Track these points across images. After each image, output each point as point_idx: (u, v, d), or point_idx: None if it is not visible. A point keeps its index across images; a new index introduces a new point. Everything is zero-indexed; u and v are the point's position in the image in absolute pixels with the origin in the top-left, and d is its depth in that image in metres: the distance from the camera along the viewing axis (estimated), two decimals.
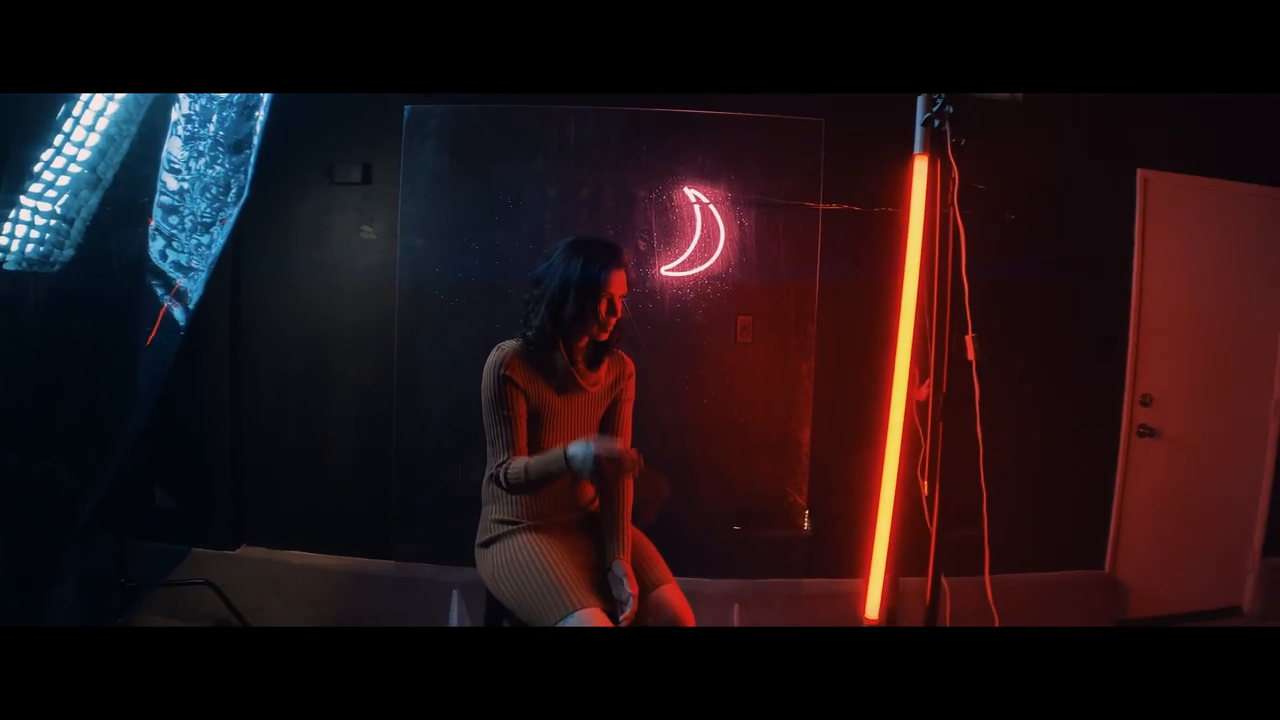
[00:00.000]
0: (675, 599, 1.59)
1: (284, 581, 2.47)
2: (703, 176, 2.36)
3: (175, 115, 1.93)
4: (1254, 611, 2.82)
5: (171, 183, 1.89)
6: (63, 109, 2.11)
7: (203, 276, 1.83)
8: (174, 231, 1.85)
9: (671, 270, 2.36)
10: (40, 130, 2.09)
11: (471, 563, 1.67)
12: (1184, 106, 2.54)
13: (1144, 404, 2.68)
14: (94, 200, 2.17)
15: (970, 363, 1.81)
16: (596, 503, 1.70)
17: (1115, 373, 2.64)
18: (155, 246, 1.88)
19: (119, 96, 2.13)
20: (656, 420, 2.33)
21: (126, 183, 2.02)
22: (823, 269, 2.38)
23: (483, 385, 1.56)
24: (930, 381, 1.87)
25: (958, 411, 1.88)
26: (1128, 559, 2.70)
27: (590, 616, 1.43)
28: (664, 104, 2.32)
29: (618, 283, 1.55)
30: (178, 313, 1.85)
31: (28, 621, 2.13)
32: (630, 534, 1.64)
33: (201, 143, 1.91)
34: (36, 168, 2.13)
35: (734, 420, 2.42)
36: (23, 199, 2.14)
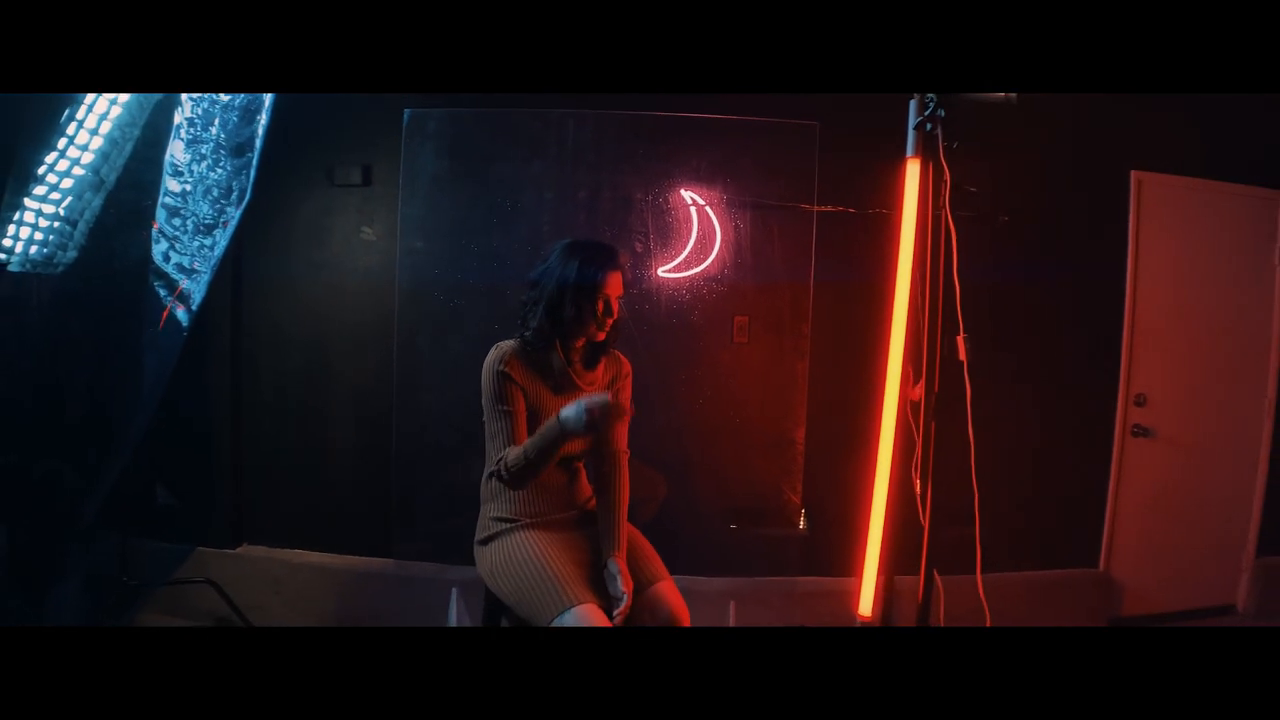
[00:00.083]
0: (670, 595, 1.62)
1: (284, 580, 2.50)
2: (699, 179, 2.39)
3: (178, 119, 1.97)
4: (1248, 610, 2.85)
5: (174, 185, 1.93)
6: (66, 112, 2.15)
7: (205, 278, 1.86)
8: (177, 233, 1.89)
9: (668, 271, 2.40)
10: (45, 133, 2.13)
11: (471, 561, 1.70)
12: (1177, 108, 2.58)
13: (1138, 404, 2.71)
14: (97, 202, 2.21)
15: (962, 363, 1.84)
16: (593, 501, 1.73)
17: (1110, 372, 2.68)
18: (159, 248, 1.92)
19: (122, 100, 2.17)
20: (654, 420, 2.36)
21: (130, 185, 2.06)
22: (817, 270, 2.41)
23: (482, 382, 1.60)
24: (924, 381, 1.91)
25: (950, 411, 1.91)
26: (1122, 558, 2.73)
27: (586, 612, 1.46)
28: (660, 108, 2.36)
29: (614, 284, 1.58)
30: (181, 314, 1.88)
31: (31, 619, 2.16)
32: (626, 531, 1.66)
33: (204, 146, 1.95)
34: (40, 170, 2.17)
35: (730, 420, 2.45)
36: (27, 201, 2.17)
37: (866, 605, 2.01)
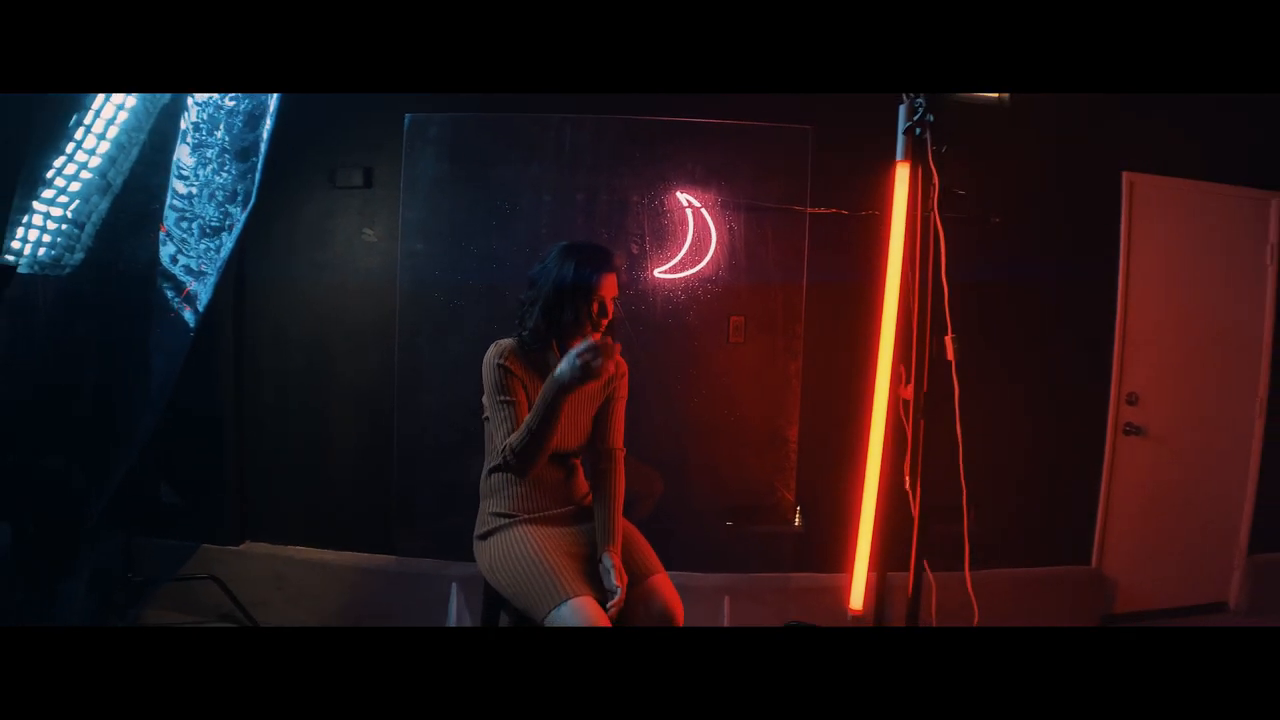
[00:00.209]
0: (664, 589, 1.68)
1: (287, 576, 2.56)
2: (694, 182, 2.45)
3: (184, 124, 2.03)
4: (1240, 607, 2.91)
5: (181, 189, 1.99)
6: (75, 117, 2.21)
7: (212, 280, 1.93)
8: (184, 236, 1.95)
9: (664, 273, 2.46)
10: (54, 138, 2.19)
11: (470, 557, 1.76)
12: (1168, 109, 2.63)
13: (1130, 402, 2.76)
14: (104, 205, 2.27)
15: (950, 362, 1.90)
16: (590, 497, 1.79)
17: (1101, 371, 2.73)
18: (166, 251, 1.98)
19: (129, 106, 2.23)
20: (651, 418, 2.42)
21: (137, 189, 2.12)
22: (810, 271, 2.47)
23: (483, 377, 1.65)
24: (915, 380, 1.96)
25: (941, 410, 1.97)
26: (1114, 555, 2.78)
27: (583, 604, 1.51)
28: (656, 112, 2.42)
29: (609, 285, 1.63)
30: (187, 315, 1.95)
31: (40, 615, 2.22)
32: (621, 526, 1.71)
33: (209, 150, 2.01)
34: (49, 174, 2.23)
35: (725, 418, 2.51)
36: (35, 204, 2.24)
37: (858, 600, 2.07)
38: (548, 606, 1.52)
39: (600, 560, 1.65)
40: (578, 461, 1.80)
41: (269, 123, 1.97)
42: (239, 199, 1.98)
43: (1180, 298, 2.80)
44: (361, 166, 2.53)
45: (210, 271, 1.94)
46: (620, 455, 1.78)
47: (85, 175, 2.25)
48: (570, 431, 1.69)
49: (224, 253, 1.94)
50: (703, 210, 2.44)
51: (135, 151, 2.24)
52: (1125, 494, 2.77)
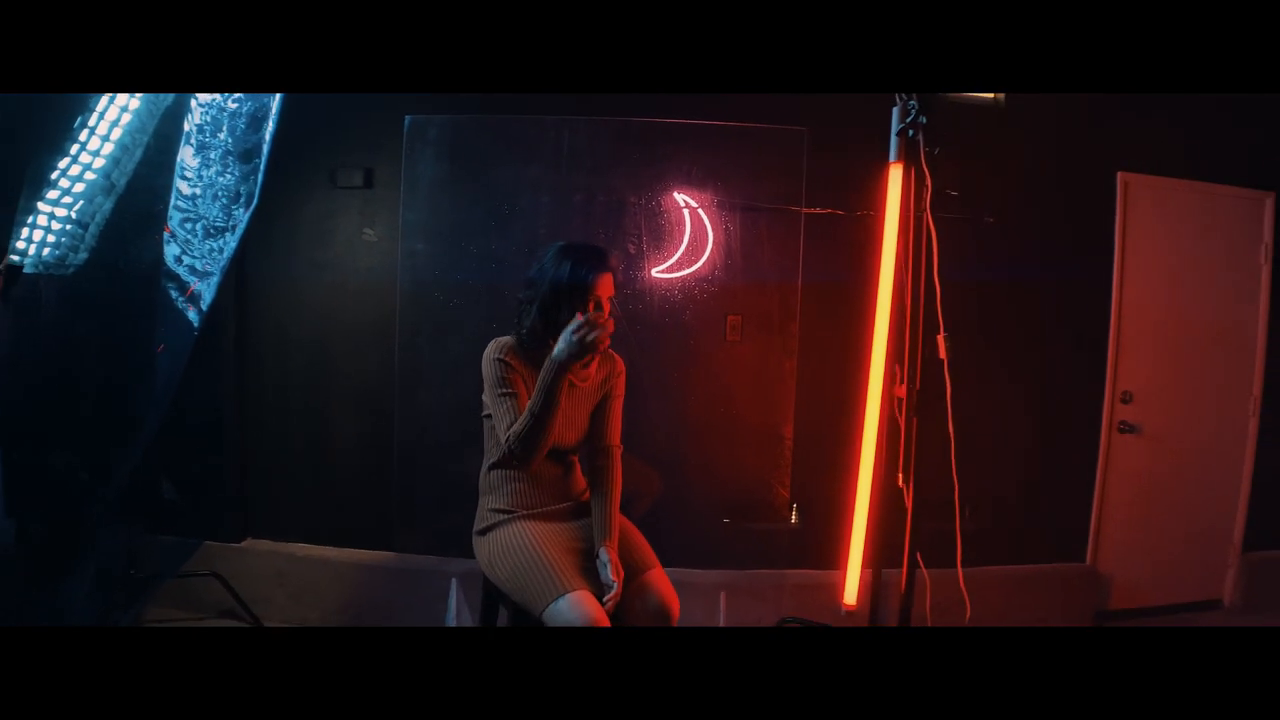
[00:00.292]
0: (660, 583, 1.72)
1: (288, 573, 2.60)
2: (691, 182, 2.50)
3: (188, 126, 2.07)
4: (1234, 605, 2.95)
5: (185, 190, 2.03)
6: (79, 119, 2.25)
7: (215, 280, 1.97)
8: (189, 237, 2.00)
9: (662, 272, 2.50)
10: (59, 140, 2.23)
11: (469, 554, 1.80)
12: (1163, 110, 2.67)
13: (1124, 401, 2.80)
14: (108, 206, 2.31)
15: (942, 361, 1.94)
16: (587, 494, 1.83)
17: (1096, 370, 2.77)
18: (170, 251, 2.02)
19: (132, 107, 2.27)
20: (649, 417, 2.46)
21: (141, 190, 2.16)
22: (805, 271, 2.52)
23: (483, 372, 1.69)
24: (910, 378, 2.00)
25: (935, 408, 2.01)
26: (1108, 552, 2.82)
27: (580, 599, 1.55)
28: (653, 114, 2.46)
29: (604, 285, 1.67)
30: (192, 314, 1.99)
31: (44, 612, 2.26)
32: (618, 522, 1.75)
33: (213, 152, 2.05)
34: (54, 175, 2.27)
35: (722, 416, 2.56)
36: (40, 204, 2.27)
37: (851, 595, 2.11)
38: (545, 600, 1.56)
39: (597, 555, 1.68)
40: (575, 459, 1.85)
41: (271, 125, 2.01)
42: (242, 200, 2.02)
43: (1175, 297, 2.84)
44: (362, 167, 2.57)
45: (214, 271, 1.99)
46: (617, 452, 1.82)
47: (89, 176, 2.29)
48: (569, 428, 1.74)
49: (227, 253, 1.99)
50: (699, 210, 2.48)
51: (139, 153, 2.28)
52: (1120, 491, 2.81)
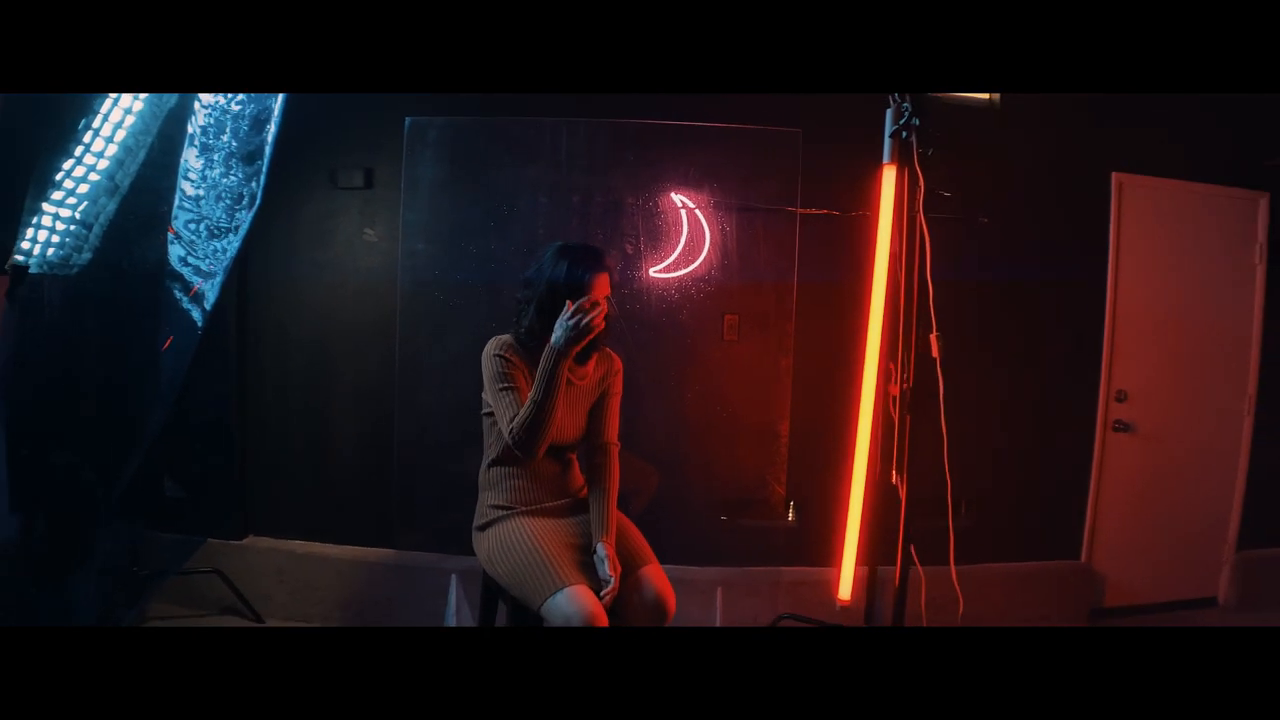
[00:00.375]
0: (657, 578, 1.76)
1: (289, 570, 2.65)
2: (688, 183, 2.54)
3: (191, 129, 2.12)
4: (1229, 602, 2.99)
5: (190, 191, 2.08)
6: (83, 121, 2.30)
7: (219, 280, 2.01)
8: (193, 238, 2.04)
9: (659, 272, 2.55)
10: (63, 142, 2.28)
11: (468, 551, 1.85)
12: (1157, 110, 2.71)
13: (1119, 400, 2.84)
14: (111, 207, 2.36)
15: (935, 359, 1.98)
16: (585, 490, 1.87)
17: (1091, 369, 2.82)
18: (175, 252, 2.07)
19: (136, 110, 2.32)
20: (646, 415, 2.51)
21: (145, 191, 2.20)
22: (801, 270, 2.56)
23: (483, 368, 1.74)
24: (907, 376, 2.04)
25: (930, 406, 2.05)
26: (1103, 550, 2.86)
27: (578, 593, 1.60)
28: (650, 116, 2.51)
29: (600, 285, 1.71)
30: (195, 314, 2.03)
31: (49, 609, 2.30)
32: (615, 518, 1.80)
33: (216, 154, 2.10)
34: (58, 176, 2.32)
35: (719, 414, 2.60)
36: (45, 205, 2.32)
37: (846, 590, 2.15)
38: (544, 594, 1.60)
39: (594, 550, 1.73)
40: (574, 456, 1.89)
41: (274, 127, 2.05)
42: (245, 201, 2.06)
43: (1169, 296, 2.88)
44: (362, 168, 2.62)
45: (217, 272, 2.03)
46: (615, 449, 1.86)
47: (93, 177, 2.34)
48: (567, 426, 1.78)
49: (231, 253, 2.03)
50: (696, 211, 2.53)
51: (142, 154, 2.32)
52: (1114, 490, 2.85)
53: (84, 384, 2.41)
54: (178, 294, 2.07)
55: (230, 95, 2.15)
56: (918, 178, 1.98)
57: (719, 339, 2.59)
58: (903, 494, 2.02)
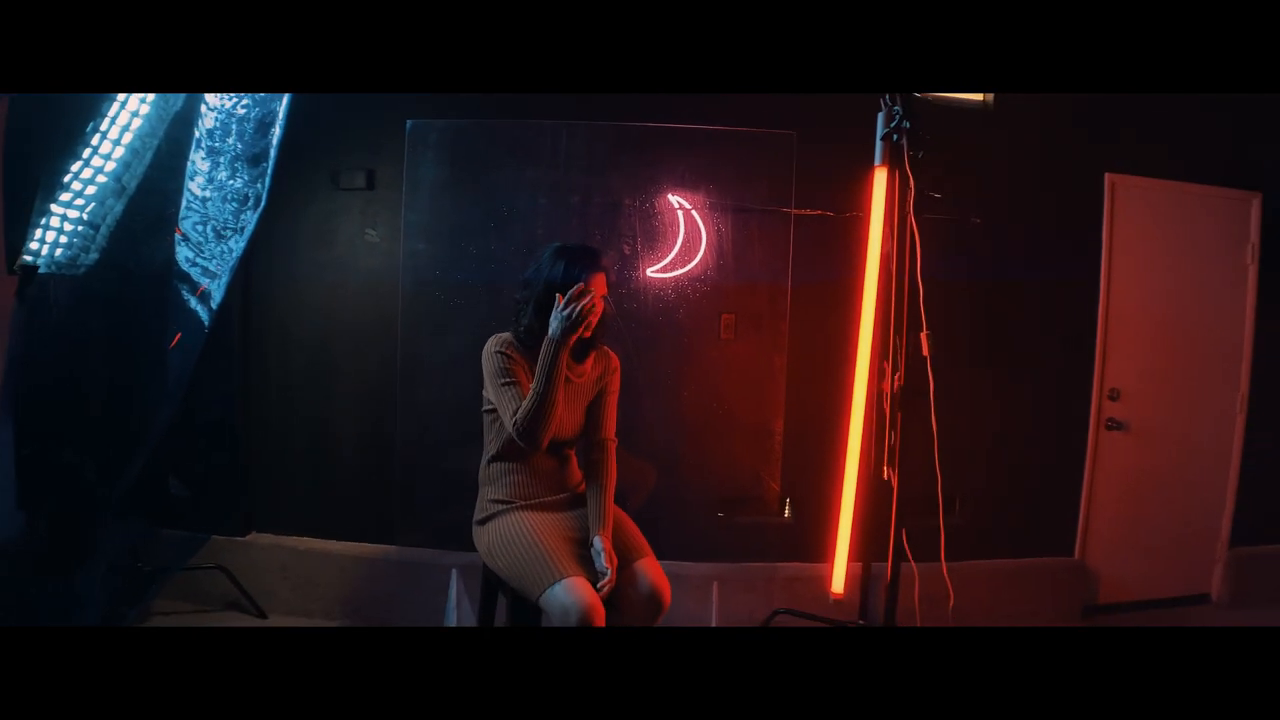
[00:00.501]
0: (652, 570, 1.82)
1: (292, 566, 2.71)
2: (684, 184, 2.61)
3: (198, 132, 2.19)
4: (1222, 599, 3.04)
5: (197, 193, 2.15)
6: (91, 124, 2.37)
7: (225, 280, 2.08)
8: (200, 239, 2.11)
9: (657, 272, 2.61)
10: (72, 144, 2.35)
11: (468, 547, 1.91)
12: (1150, 111, 2.77)
13: (1112, 398, 2.90)
14: (118, 208, 2.43)
15: (925, 358, 2.05)
16: (583, 485, 1.94)
17: (1084, 368, 2.88)
18: (183, 253, 2.13)
19: (143, 113, 2.39)
20: (643, 413, 2.57)
21: (152, 193, 2.27)
22: (795, 270, 2.63)
23: (484, 365, 1.80)
24: (899, 374, 2.11)
25: (919, 403, 2.11)
26: (1097, 547, 2.92)
27: (575, 584, 1.66)
28: (647, 118, 2.58)
29: (597, 284, 1.77)
30: (202, 313, 2.10)
31: (56, 605, 2.36)
32: (612, 512, 1.86)
33: (223, 156, 2.16)
34: (66, 178, 2.39)
35: (716, 412, 2.67)
36: (53, 206, 2.39)
37: (839, 584, 2.22)
38: (543, 586, 1.66)
39: (591, 544, 1.79)
40: (572, 452, 1.96)
41: (278, 129, 2.12)
42: (250, 203, 2.13)
43: (1162, 296, 2.94)
44: (364, 169, 2.68)
45: (223, 272, 2.10)
46: (612, 446, 1.93)
47: (101, 179, 2.41)
48: (566, 422, 1.84)
49: (236, 253, 2.10)
50: (693, 212, 2.60)
51: (149, 156, 2.39)
52: (1108, 487, 2.91)
53: (90, 383, 2.47)
54: (185, 294, 2.14)
55: (236, 99, 2.22)
56: (908, 179, 2.04)
57: (715, 338, 2.65)
58: (895, 491, 2.08)
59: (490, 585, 1.93)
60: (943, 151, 2.11)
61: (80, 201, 2.41)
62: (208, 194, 2.14)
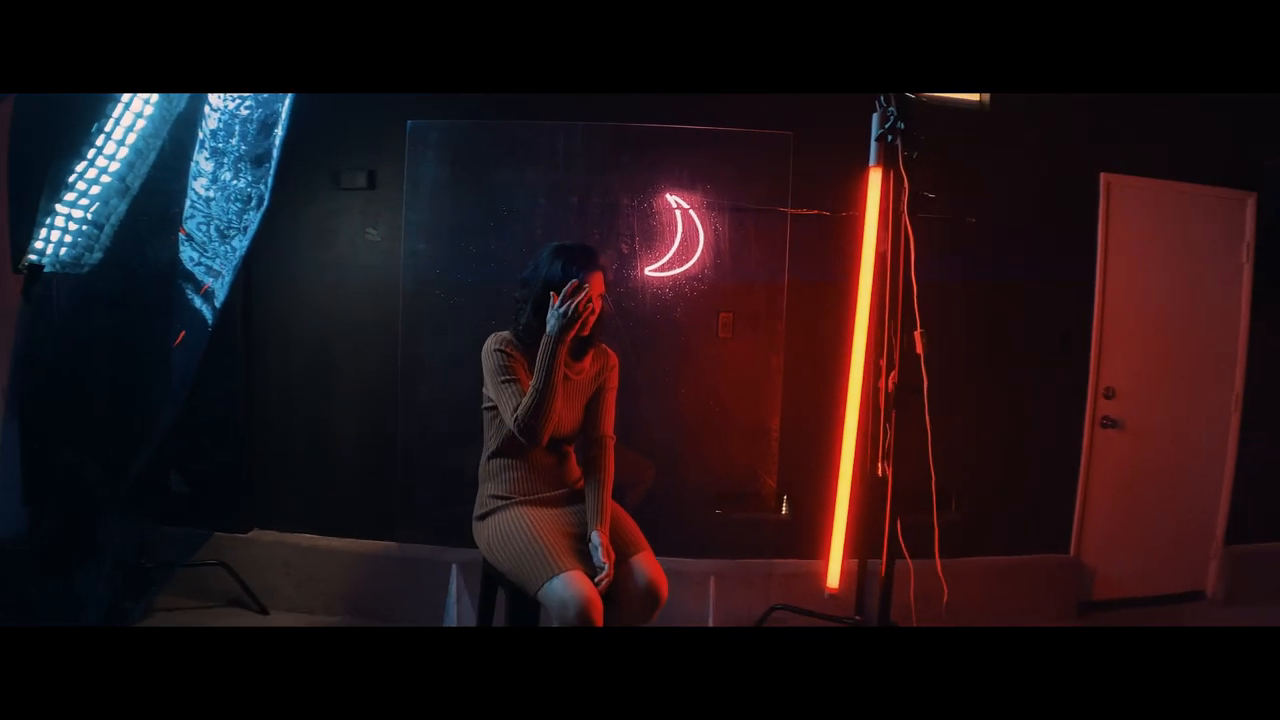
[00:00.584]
0: (649, 564, 1.86)
1: (293, 562, 2.75)
2: (682, 185, 2.65)
3: (202, 133, 2.23)
4: (1217, 596, 3.08)
5: (201, 193, 2.19)
6: (96, 125, 2.41)
7: (228, 279, 2.12)
8: (205, 239, 2.15)
9: (655, 271, 2.65)
10: (77, 144, 2.39)
11: (468, 543, 1.95)
12: (1145, 111, 2.80)
13: (1107, 396, 2.94)
14: (122, 208, 2.47)
15: (919, 356, 2.08)
16: (581, 481, 1.97)
17: (1080, 367, 2.91)
18: (187, 252, 2.18)
19: (147, 114, 2.43)
20: (642, 411, 2.61)
21: (156, 193, 2.32)
22: (791, 269, 2.67)
23: (484, 363, 1.84)
24: (896, 372, 2.14)
25: (918, 401, 2.14)
26: (1092, 544, 2.96)
27: (573, 578, 1.70)
28: (645, 119, 2.62)
29: (595, 283, 1.81)
30: (206, 311, 2.14)
31: (60, 601, 2.40)
32: (609, 508, 1.90)
33: (226, 157, 2.21)
34: (71, 178, 2.43)
35: (713, 410, 2.71)
36: (58, 206, 2.44)
37: (834, 578, 2.25)
38: (541, 580, 1.70)
39: (589, 538, 1.82)
40: (570, 448, 1.99)
41: (281, 130, 2.16)
42: (253, 202, 2.17)
43: (1158, 295, 2.97)
44: (365, 169, 2.72)
45: (226, 271, 2.14)
46: (610, 442, 1.96)
47: (105, 179, 2.45)
48: (565, 419, 1.87)
49: (239, 252, 2.14)
50: (690, 212, 2.63)
51: (153, 157, 2.43)
52: (1103, 485, 2.95)
53: (94, 381, 2.51)
54: (189, 293, 2.18)
55: (239, 100, 2.26)
56: (903, 180, 2.08)
57: (713, 337, 2.69)
58: (889, 487, 2.11)
59: (490, 580, 1.96)
60: (938, 152, 2.14)
61: (85, 201, 2.46)
62: (211, 194, 2.18)
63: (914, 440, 2.17)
